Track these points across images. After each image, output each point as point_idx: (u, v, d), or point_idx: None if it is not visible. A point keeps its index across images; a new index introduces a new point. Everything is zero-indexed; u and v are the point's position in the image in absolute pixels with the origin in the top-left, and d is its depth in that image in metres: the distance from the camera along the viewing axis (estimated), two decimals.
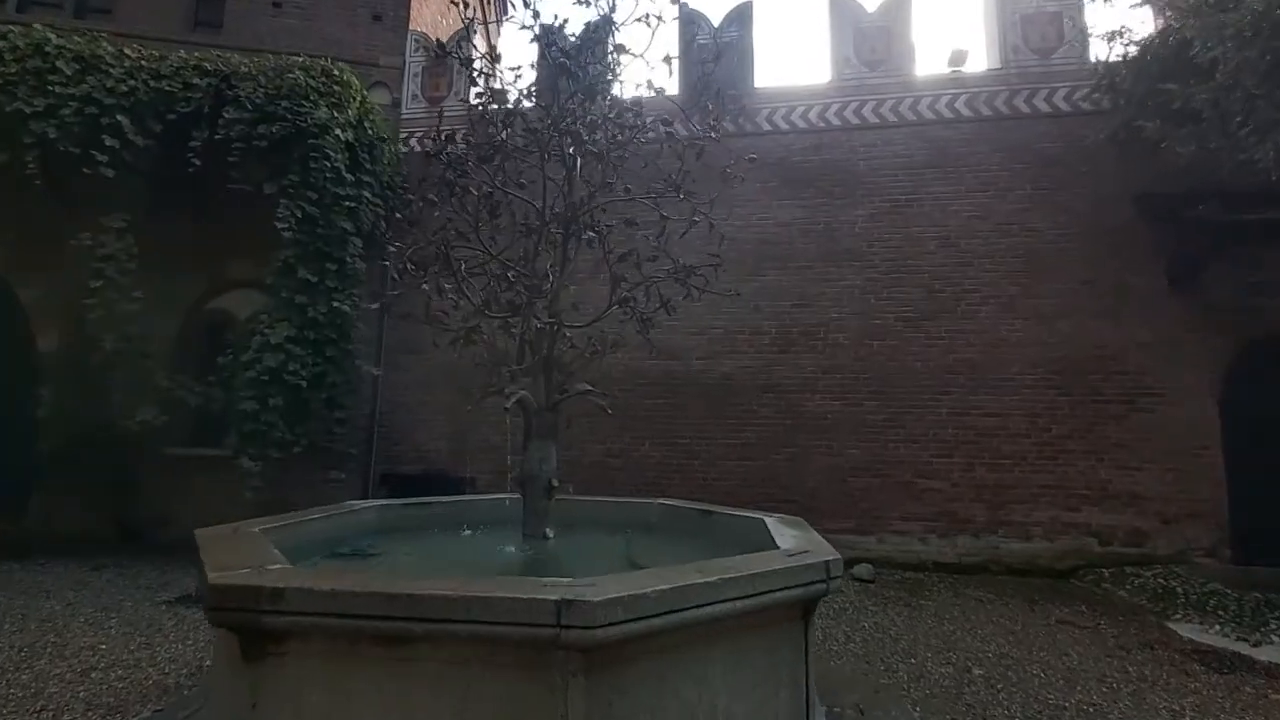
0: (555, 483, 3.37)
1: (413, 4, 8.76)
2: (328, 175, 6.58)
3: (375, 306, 6.55)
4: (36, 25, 6.66)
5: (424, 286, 3.51)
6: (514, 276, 3.42)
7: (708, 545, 3.25)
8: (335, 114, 6.69)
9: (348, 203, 6.78)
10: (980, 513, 6.70)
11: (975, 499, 6.71)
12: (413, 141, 8.38)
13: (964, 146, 7.14)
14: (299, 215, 6.47)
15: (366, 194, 7.09)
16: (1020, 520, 6.63)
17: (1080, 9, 7.12)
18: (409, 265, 3.36)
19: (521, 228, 3.53)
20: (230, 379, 6.67)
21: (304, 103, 6.54)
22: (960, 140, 7.15)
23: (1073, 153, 6.88)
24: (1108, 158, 6.76)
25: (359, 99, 7.13)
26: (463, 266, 3.36)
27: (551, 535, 3.40)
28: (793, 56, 29.49)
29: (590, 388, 3.46)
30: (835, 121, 7.44)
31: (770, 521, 3.39)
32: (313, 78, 6.72)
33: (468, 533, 3.88)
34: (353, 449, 7.44)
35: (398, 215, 7.83)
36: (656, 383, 7.39)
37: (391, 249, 3.62)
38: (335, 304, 6.63)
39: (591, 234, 3.47)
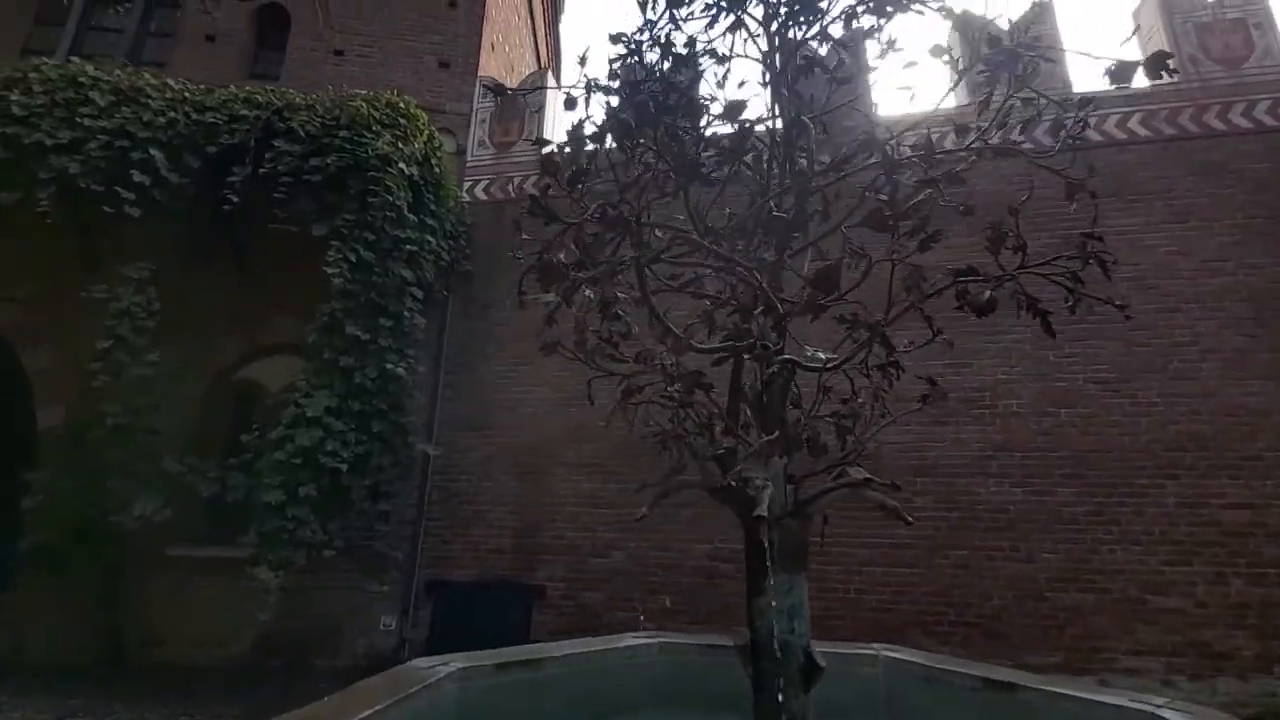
0: (820, 661, 1.87)
1: (482, 53, 8.15)
2: (388, 215, 5.54)
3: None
4: (74, 58, 5.97)
5: (551, 299, 2.17)
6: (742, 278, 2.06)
7: None
8: (400, 146, 5.74)
9: (409, 246, 5.69)
10: (1245, 643, 4.87)
11: (1235, 624, 4.91)
12: (478, 190, 7.45)
13: (1145, 170, 5.90)
14: (353, 260, 5.37)
15: (430, 238, 6.02)
16: None
17: (1270, 16, 6.07)
18: (556, 262, 2.00)
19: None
20: (254, 462, 5.35)
21: (365, 133, 5.62)
22: (1139, 164, 5.92)
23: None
24: None
25: (426, 133, 6.23)
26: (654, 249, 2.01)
27: None
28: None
29: (870, 476, 2.03)
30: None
31: None
32: (376, 109, 5.84)
33: None
34: (397, 550, 5.95)
35: (464, 266, 6.80)
36: None
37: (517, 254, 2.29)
38: (388, 366, 5.38)
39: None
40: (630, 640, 2.88)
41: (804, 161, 2.02)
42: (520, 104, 7.54)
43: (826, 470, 2.12)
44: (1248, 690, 4.79)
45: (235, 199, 5.59)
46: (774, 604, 1.82)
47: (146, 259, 5.66)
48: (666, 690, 2.49)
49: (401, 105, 6.07)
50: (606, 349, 2.15)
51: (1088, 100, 2.17)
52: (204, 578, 6.25)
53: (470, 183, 7.50)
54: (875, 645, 2.94)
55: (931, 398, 2.25)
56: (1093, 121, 6.18)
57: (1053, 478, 5.42)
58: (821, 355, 1.85)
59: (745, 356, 1.89)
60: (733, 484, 1.85)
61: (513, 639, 5.70)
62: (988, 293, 1.74)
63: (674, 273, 2.27)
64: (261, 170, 5.64)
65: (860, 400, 2.23)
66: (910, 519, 2.00)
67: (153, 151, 5.56)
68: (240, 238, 6.18)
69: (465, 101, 7.82)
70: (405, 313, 5.62)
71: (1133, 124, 6.03)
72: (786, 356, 1.91)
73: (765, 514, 1.70)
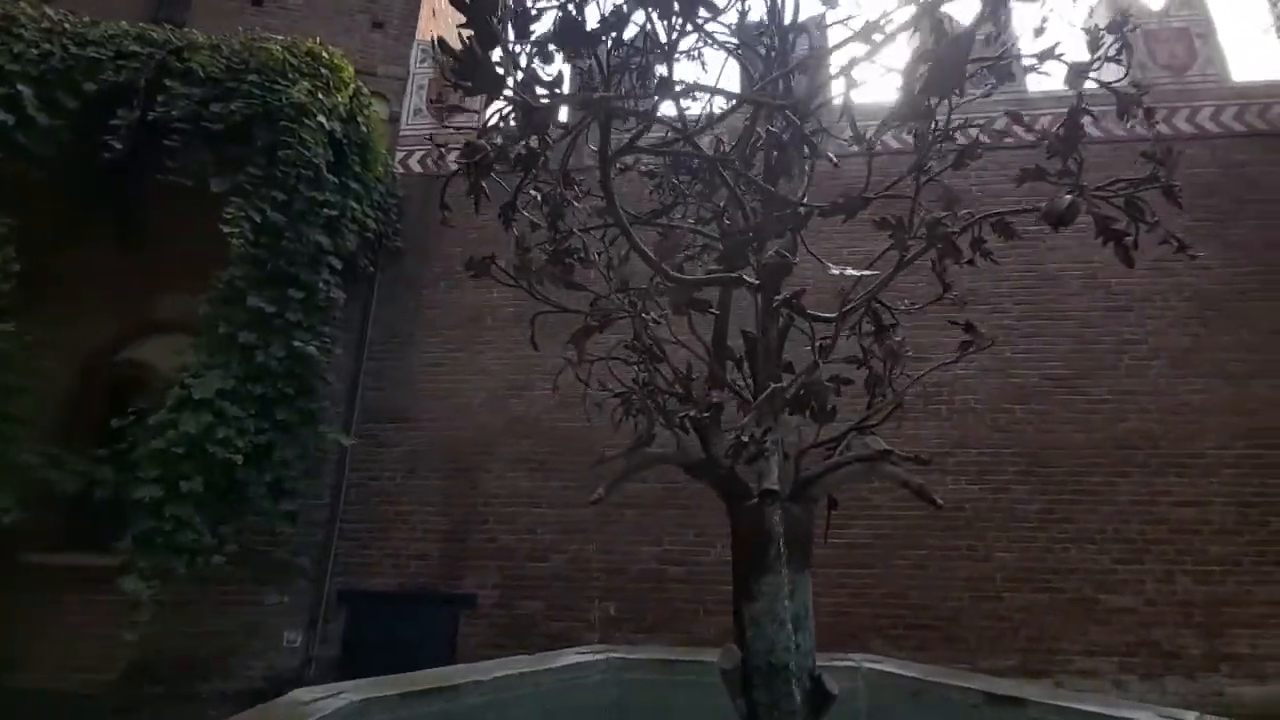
0: (830, 687, 1.46)
1: (422, 17, 7.52)
2: (303, 172, 4.87)
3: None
4: None
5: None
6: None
7: None
8: (320, 97, 5.08)
9: (327, 210, 5.03)
10: (1192, 642, 4.84)
11: (1183, 622, 4.87)
12: (412, 161, 6.82)
13: (1099, 171, 5.88)
14: (257, 220, 4.67)
15: (353, 204, 5.36)
16: (1248, 652, 4.79)
17: (1211, 27, 6.23)
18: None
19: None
20: (128, 453, 4.55)
21: (279, 80, 4.94)
22: (1093, 164, 5.89)
23: (1232, 179, 5.71)
24: (1275, 183, 5.62)
25: (352, 88, 5.57)
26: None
27: None
28: None
29: (890, 448, 1.66)
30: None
31: None
32: (294, 55, 5.16)
33: None
34: (304, 556, 5.22)
35: (393, 242, 6.16)
36: None
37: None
38: (297, 344, 4.70)
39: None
40: (573, 657, 2.40)
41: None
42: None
43: (829, 444, 1.73)
44: (1196, 689, 4.74)
45: (118, 146, 4.80)
46: (779, 612, 1.40)
47: (3, 211, 4.77)
48: (619, 717, 2.03)
49: (325, 55, 5.40)
50: (556, 270, 1.67)
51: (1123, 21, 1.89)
52: (69, 591, 5.34)
53: (404, 153, 6.86)
54: (854, 655, 2.58)
55: (974, 345, 1.91)
56: (1047, 121, 6.18)
57: (1008, 475, 5.29)
58: (850, 270, 1.46)
59: (746, 284, 1.46)
60: (719, 457, 1.43)
61: (437, 655, 5.09)
62: (1068, 197, 1.39)
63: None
64: (151, 115, 4.87)
65: (878, 350, 1.85)
66: (939, 501, 1.63)
67: (20, 87, 4.71)
68: (125, 194, 5.35)
69: (400, 65, 7.17)
70: (320, 285, 4.94)
71: (1085, 122, 6.04)
72: (790, 293, 1.51)
73: (776, 487, 1.28)
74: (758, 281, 1.44)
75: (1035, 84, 5.92)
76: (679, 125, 1.40)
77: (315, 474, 5.22)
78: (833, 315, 1.71)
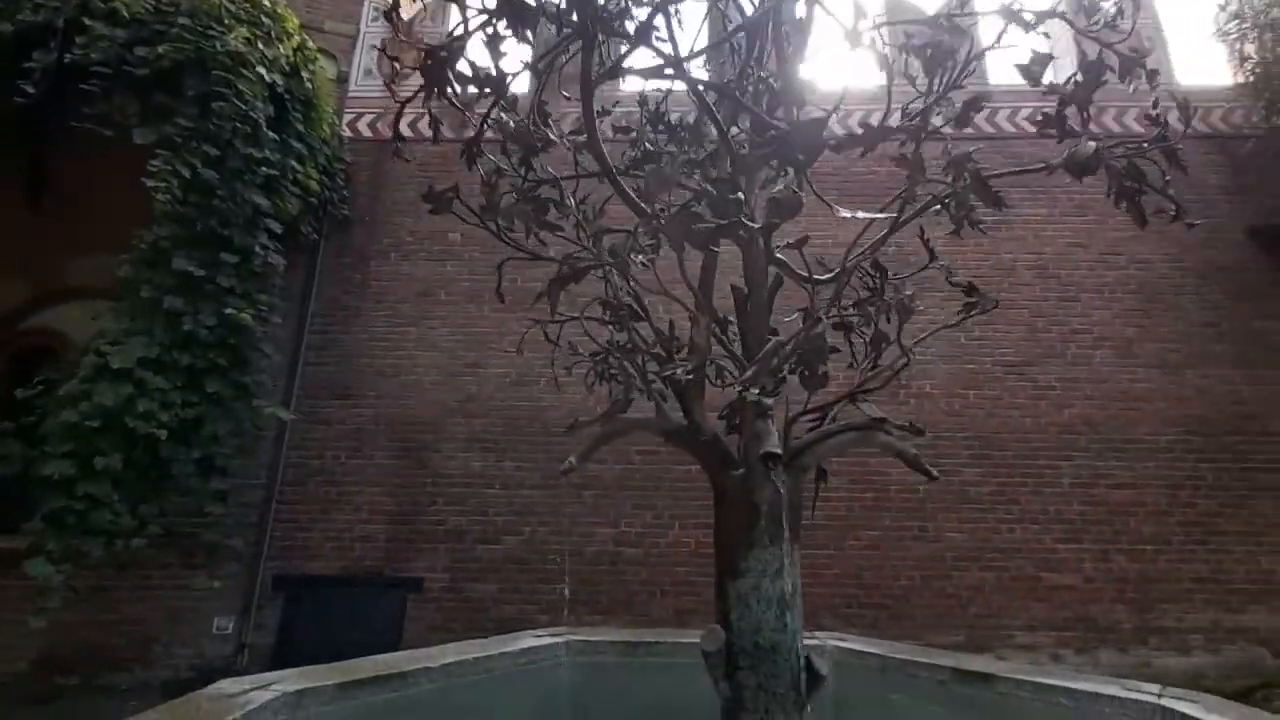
0: (820, 668, 1.37)
1: None
2: (240, 127, 4.50)
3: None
4: None
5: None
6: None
7: None
8: (260, 47, 4.70)
9: (266, 170, 4.68)
10: (1125, 616, 5.06)
11: (1116, 598, 5.09)
12: (361, 125, 6.44)
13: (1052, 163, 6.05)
14: (186, 176, 4.29)
15: (296, 165, 5.01)
16: (1174, 626, 5.04)
17: (1159, 29, 6.45)
18: None
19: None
20: (38, 426, 4.14)
21: (214, 25, 4.54)
22: (1048, 156, 6.05)
23: (1173, 179, 5.92)
24: (1211, 184, 5.87)
25: (297, 40, 5.19)
26: None
27: None
28: None
29: (884, 416, 1.58)
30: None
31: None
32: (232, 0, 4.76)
33: None
34: (235, 539, 4.90)
35: (340, 210, 5.81)
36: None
37: None
38: (229, 312, 4.36)
39: None
40: (529, 640, 2.27)
41: None
42: (419, 31, 6.60)
43: (818, 411, 1.65)
44: (1126, 661, 4.96)
45: (31, 91, 4.35)
46: (765, 588, 1.31)
47: None
48: (579, 703, 1.92)
49: (266, 3, 5.00)
50: (528, 210, 1.51)
51: None
52: None
53: (352, 115, 6.47)
54: (819, 634, 2.54)
55: (977, 305, 1.84)
56: (1006, 114, 6.31)
57: (960, 458, 5.39)
58: (862, 213, 1.36)
59: (747, 227, 1.34)
60: (702, 423, 1.32)
61: (383, 642, 4.87)
62: (1092, 144, 1.33)
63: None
64: (69, 59, 4.41)
65: (888, 302, 1.77)
66: (934, 473, 1.57)
67: None
68: (38, 144, 4.86)
69: (350, 22, 6.75)
70: (257, 249, 4.60)
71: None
72: (792, 240, 1.41)
73: (778, 450, 1.18)
74: (760, 225, 1.32)
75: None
76: (669, 54, 1.26)
77: (250, 451, 4.89)
78: (830, 273, 1.61)
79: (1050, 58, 1.50)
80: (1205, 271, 5.72)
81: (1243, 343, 5.54)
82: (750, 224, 1.28)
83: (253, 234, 4.59)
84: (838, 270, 1.51)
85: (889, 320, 1.80)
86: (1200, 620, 5.03)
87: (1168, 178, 1.52)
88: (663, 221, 1.22)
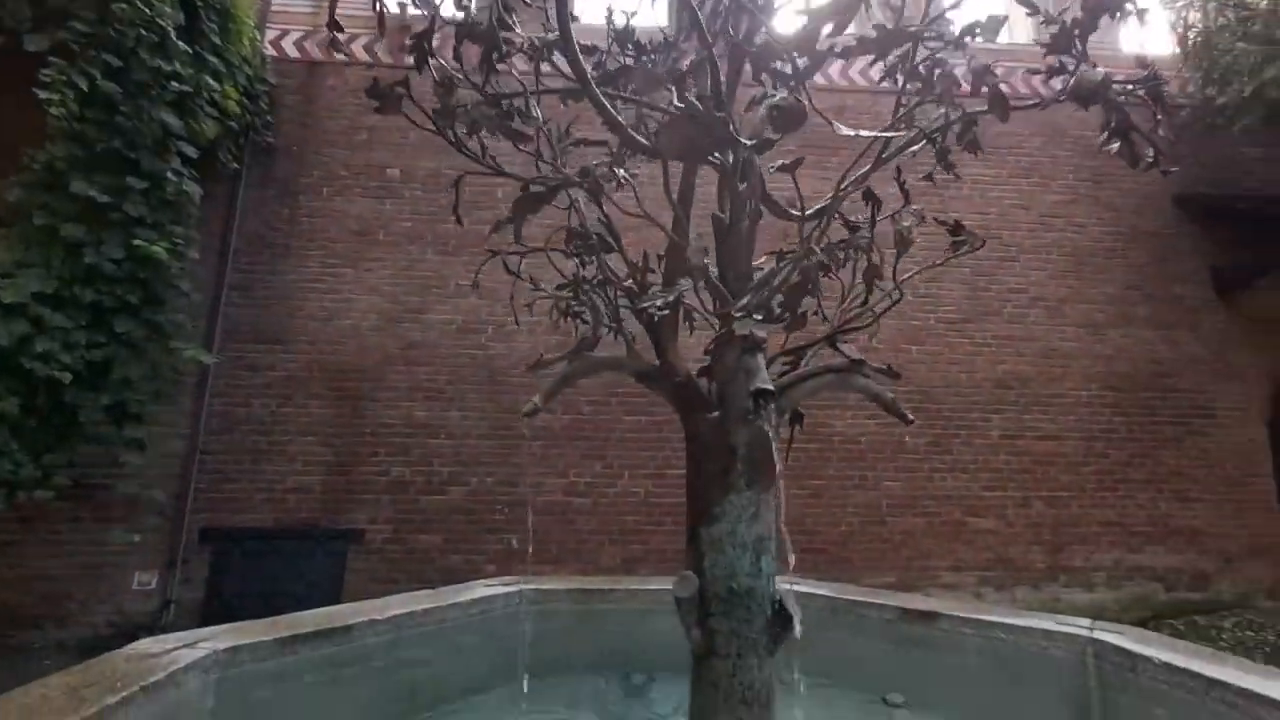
0: (795, 618, 1.34)
1: None
2: (144, 35, 3.97)
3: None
4: None
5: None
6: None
7: None
8: None
9: (178, 85, 4.18)
10: (1039, 557, 5.45)
11: (1033, 540, 5.47)
12: (286, 43, 5.85)
13: (999, 125, 6.12)
14: (85, 89, 3.78)
15: (212, 82, 4.50)
16: (1081, 565, 5.47)
17: None
18: None
19: None
20: None
21: None
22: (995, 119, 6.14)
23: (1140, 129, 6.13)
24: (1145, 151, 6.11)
25: None
26: None
27: None
28: None
29: (862, 358, 1.54)
30: (857, 81, 6.15)
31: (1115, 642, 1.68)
32: None
33: None
34: (155, 491, 4.58)
35: (264, 137, 5.31)
36: (638, 393, 5.43)
37: None
38: (139, 243, 3.94)
39: None
40: (482, 590, 2.19)
41: None
42: None
43: (793, 353, 1.59)
44: (1039, 597, 5.38)
45: None
46: (740, 533, 1.26)
47: None
48: (535, 655, 1.87)
49: None
50: (492, 115, 1.34)
51: None
52: None
53: (276, 32, 5.86)
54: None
55: (966, 244, 1.80)
56: (960, 70, 6.30)
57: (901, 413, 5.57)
58: (865, 132, 1.27)
59: (740, 144, 1.23)
60: (676, 362, 1.23)
61: (321, 595, 4.73)
62: (1100, 71, 1.27)
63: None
64: None
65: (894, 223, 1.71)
66: (911, 417, 1.55)
67: None
68: None
69: None
70: (169, 175, 4.14)
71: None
72: (779, 165, 1.31)
73: (770, 387, 1.11)
74: (755, 141, 1.22)
75: None
76: None
77: (169, 398, 4.54)
78: (820, 204, 1.52)
79: None
80: (1133, 236, 6.01)
81: (1162, 306, 5.89)
82: (745, 141, 1.18)
83: (163, 158, 4.12)
84: (830, 199, 1.43)
85: (880, 258, 1.75)
86: (1104, 560, 5.48)
87: (1159, 117, 1.50)
88: (654, 134, 1.10)
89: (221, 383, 5.08)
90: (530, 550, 4.97)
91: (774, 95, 1.40)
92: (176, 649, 1.61)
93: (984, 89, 1.42)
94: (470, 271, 5.76)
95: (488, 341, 5.39)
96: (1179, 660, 1.70)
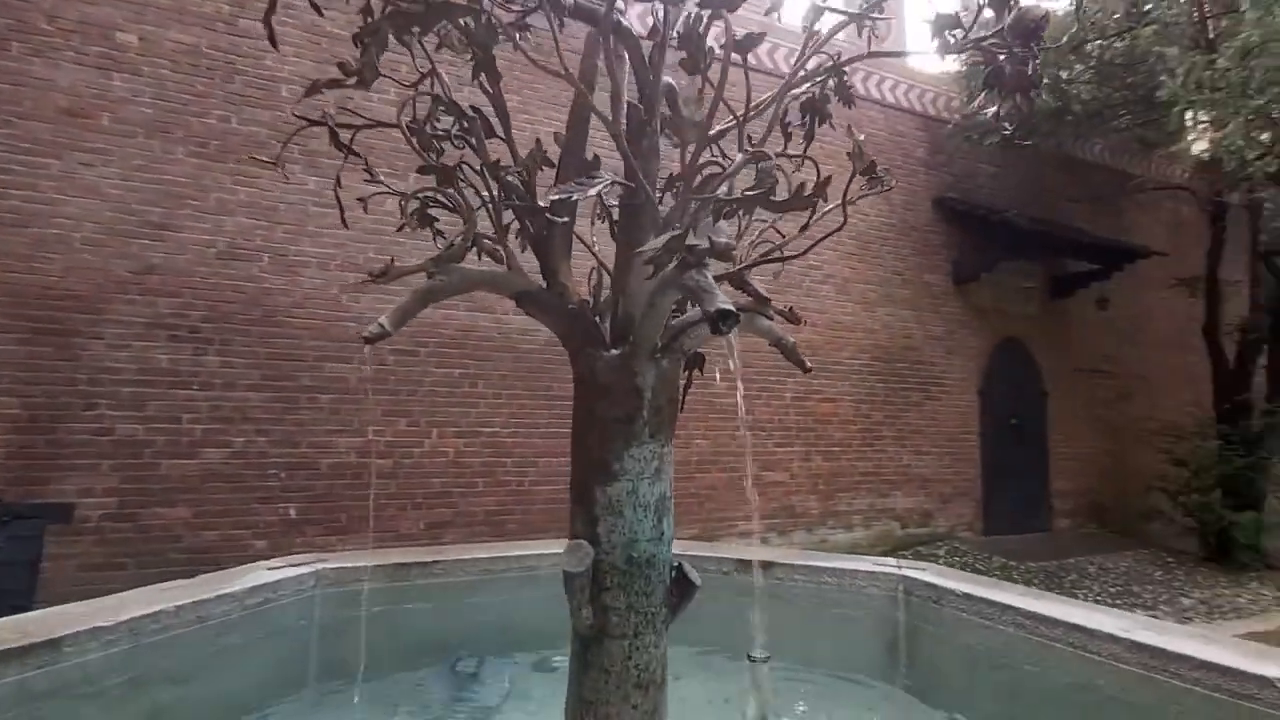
0: (693, 577, 1.16)
1: None
2: None
3: None
4: None
5: None
6: None
7: None
8: None
9: None
10: (815, 505, 6.20)
11: (811, 490, 6.19)
12: None
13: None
14: None
15: None
16: (845, 509, 6.36)
17: (903, 9, 7.35)
18: None
19: None
20: None
21: None
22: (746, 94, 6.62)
23: (894, 144, 7.00)
24: (917, 157, 7.09)
25: None
26: None
27: None
28: None
29: (767, 296, 1.38)
30: None
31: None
32: None
33: None
34: None
35: None
36: (452, 344, 4.94)
37: None
38: None
39: None
40: (263, 575, 1.72)
41: None
42: None
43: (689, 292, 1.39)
44: (812, 539, 6.12)
45: None
46: (636, 494, 1.05)
47: None
48: (332, 655, 1.49)
49: None
50: None
51: None
52: None
53: None
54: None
55: (880, 183, 1.71)
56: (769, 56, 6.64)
57: (710, 375, 5.85)
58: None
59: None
60: (567, 285, 0.96)
61: (7, 589, 3.56)
62: (1044, 7, 1.21)
63: None
64: None
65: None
66: (809, 365, 1.45)
67: None
68: None
69: None
70: None
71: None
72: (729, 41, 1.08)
73: (731, 307, 0.90)
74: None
75: None
76: None
77: None
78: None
79: None
80: (902, 229, 6.97)
81: (917, 290, 6.95)
82: None
83: None
84: (776, 92, 1.26)
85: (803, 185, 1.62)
86: (861, 505, 6.42)
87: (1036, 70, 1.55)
88: None
89: None
90: (371, 520, 4.31)
91: None
92: None
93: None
94: (238, 185, 4.68)
95: (262, 272, 4.45)
96: (977, 590, 1.91)
